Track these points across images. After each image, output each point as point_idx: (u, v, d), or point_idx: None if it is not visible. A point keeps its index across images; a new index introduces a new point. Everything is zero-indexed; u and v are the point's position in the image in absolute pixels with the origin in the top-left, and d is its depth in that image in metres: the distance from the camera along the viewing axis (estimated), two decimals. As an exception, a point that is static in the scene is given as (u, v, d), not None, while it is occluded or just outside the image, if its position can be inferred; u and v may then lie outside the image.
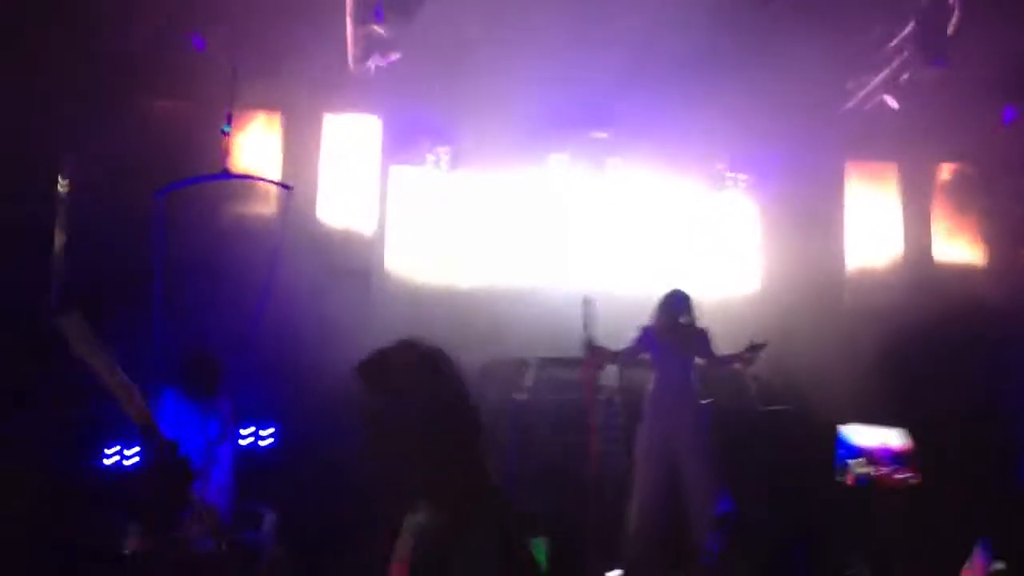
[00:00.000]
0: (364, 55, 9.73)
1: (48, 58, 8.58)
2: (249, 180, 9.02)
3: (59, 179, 9.34)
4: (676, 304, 8.37)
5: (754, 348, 8.27)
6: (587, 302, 7.67)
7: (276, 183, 8.63)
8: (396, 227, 11.04)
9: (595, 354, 7.75)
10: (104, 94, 8.99)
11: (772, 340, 8.62)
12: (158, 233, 7.52)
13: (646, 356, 8.49)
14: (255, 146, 10.11)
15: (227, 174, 8.15)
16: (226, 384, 6.84)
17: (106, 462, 7.85)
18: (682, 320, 8.31)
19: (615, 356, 8.35)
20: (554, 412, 9.27)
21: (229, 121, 7.98)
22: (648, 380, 8.58)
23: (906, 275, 10.14)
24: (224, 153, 7.97)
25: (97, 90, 8.96)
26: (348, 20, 9.65)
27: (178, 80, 9.06)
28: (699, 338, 8.47)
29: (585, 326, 7.62)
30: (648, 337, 8.40)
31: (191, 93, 9.19)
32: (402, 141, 10.81)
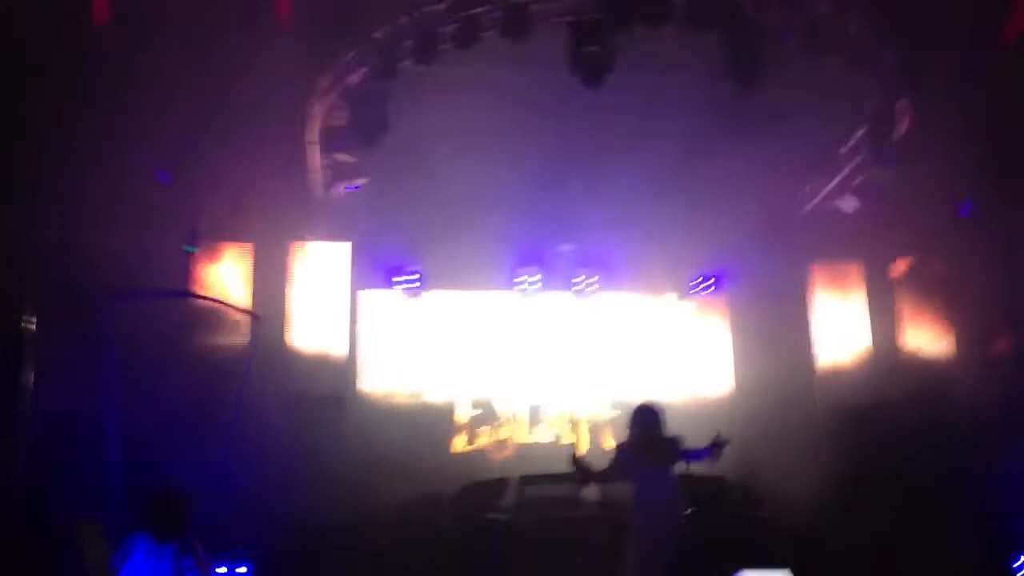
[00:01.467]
0: (330, 182, 9.85)
1: (17, 189, 8.57)
2: (213, 302, 8.87)
3: (23, 316, 9.22)
4: (650, 419, 8.28)
5: (717, 444, 8.19)
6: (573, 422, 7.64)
7: (243, 310, 8.53)
8: (368, 351, 11.02)
9: (582, 471, 7.69)
10: (73, 226, 8.95)
11: (745, 441, 8.55)
12: (110, 365, 7.33)
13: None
14: (225, 276, 10.10)
15: (190, 294, 8.01)
16: (195, 521, 6.65)
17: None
18: (656, 434, 8.22)
19: (601, 476, 8.17)
20: (536, 531, 9.10)
21: (194, 240, 7.90)
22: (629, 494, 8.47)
23: (875, 370, 10.19)
24: (187, 271, 7.86)
25: (66, 222, 8.92)
26: (312, 148, 9.78)
27: (144, 214, 9.05)
28: (672, 447, 8.37)
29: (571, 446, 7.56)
30: (626, 455, 8.28)
31: (157, 226, 9.19)
32: (371, 265, 10.86)
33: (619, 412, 11.20)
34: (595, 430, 11.30)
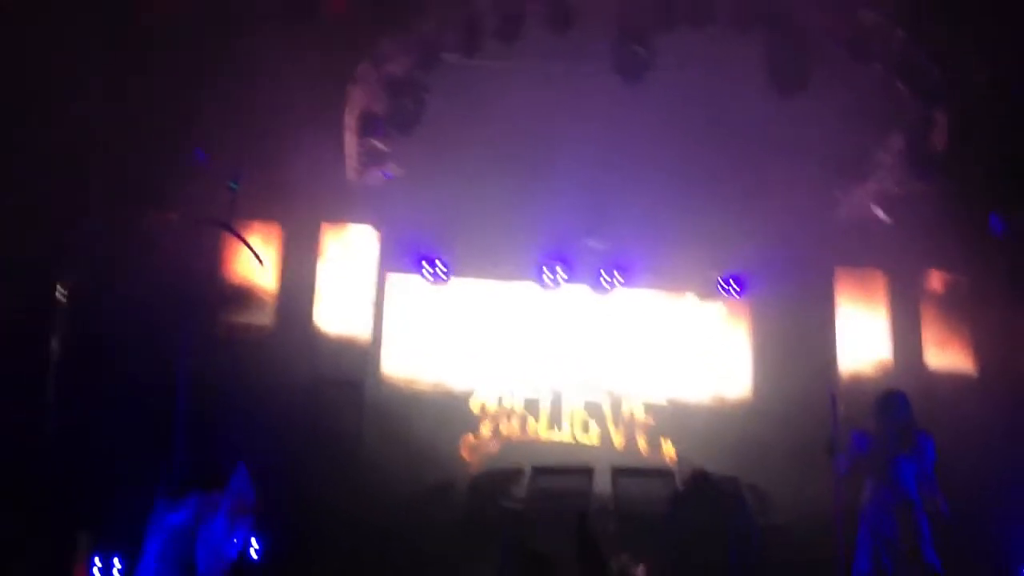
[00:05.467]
0: (364, 168, 9.94)
1: (49, 165, 8.72)
2: (239, 238, 8.99)
3: (57, 286, 9.40)
4: (897, 407, 7.51)
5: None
6: (834, 399, 7.45)
7: (251, 251, 8.64)
8: (393, 336, 11.14)
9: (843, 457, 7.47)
10: (106, 205, 9.11)
11: (762, 444, 8.53)
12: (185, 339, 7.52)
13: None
14: (252, 256, 10.23)
15: (228, 228, 8.16)
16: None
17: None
18: (904, 423, 7.47)
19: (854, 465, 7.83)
20: (549, 522, 9.20)
21: (237, 178, 8.06)
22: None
23: (897, 383, 10.12)
24: (229, 207, 8.04)
25: (99, 200, 9.09)
26: (347, 134, 9.87)
27: (178, 191, 9.19)
28: (916, 438, 7.52)
29: (834, 425, 7.37)
30: (874, 444, 7.53)
31: (191, 204, 9.34)
32: (400, 251, 10.96)
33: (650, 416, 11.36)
34: (627, 428, 11.35)
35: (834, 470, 7.46)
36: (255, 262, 8.73)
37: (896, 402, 7.57)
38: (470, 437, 11.00)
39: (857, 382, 10.67)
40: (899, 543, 7.26)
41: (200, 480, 6.72)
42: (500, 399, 11.24)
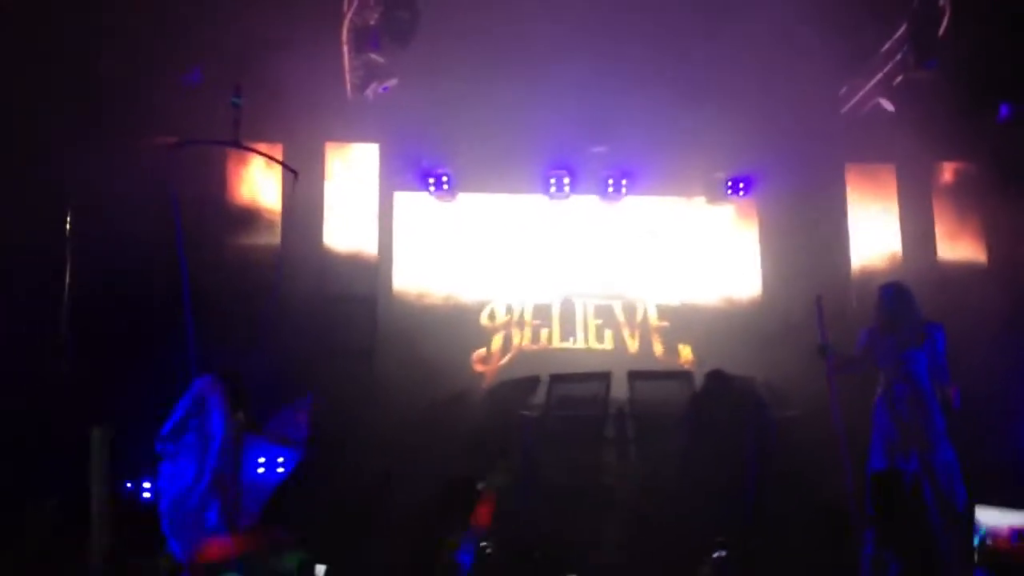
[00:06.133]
0: (362, 83, 9.83)
1: (50, 92, 8.66)
2: (258, 153, 8.94)
3: (67, 214, 9.41)
4: (893, 298, 7.50)
5: None
6: (819, 302, 7.50)
7: (283, 164, 8.59)
8: (401, 252, 11.15)
9: (834, 356, 7.49)
10: (105, 129, 9.06)
11: (774, 343, 8.54)
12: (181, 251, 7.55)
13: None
14: (258, 178, 10.22)
15: (237, 144, 8.16)
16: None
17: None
18: (901, 313, 7.45)
19: (850, 362, 7.65)
20: (566, 429, 9.30)
21: (238, 93, 8.02)
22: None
23: (909, 276, 10.13)
24: (234, 123, 8.03)
25: (98, 124, 9.03)
26: (344, 49, 9.76)
27: (177, 115, 9.13)
28: (919, 327, 7.47)
29: (820, 328, 7.47)
30: (868, 337, 7.60)
31: (194, 130, 9.29)
32: (404, 167, 10.91)
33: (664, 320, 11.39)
34: (641, 333, 11.40)
35: (827, 370, 7.54)
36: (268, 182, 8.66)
37: (898, 295, 7.58)
38: (482, 350, 11.07)
39: (869, 277, 10.64)
40: (912, 435, 7.34)
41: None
42: (512, 310, 11.27)
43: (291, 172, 8.22)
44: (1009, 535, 4.34)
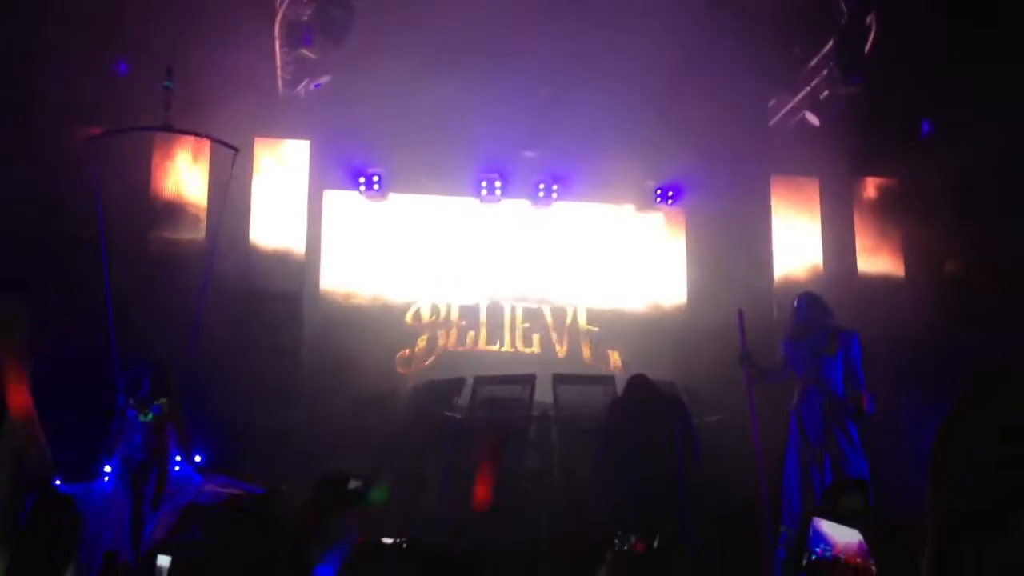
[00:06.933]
0: (294, 79, 9.77)
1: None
2: (190, 135, 8.83)
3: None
4: (804, 307, 7.74)
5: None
6: (741, 314, 7.73)
7: (221, 142, 8.48)
8: (330, 250, 11.09)
9: (752, 367, 7.73)
10: (29, 124, 8.87)
11: (695, 351, 8.64)
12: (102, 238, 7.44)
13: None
14: (184, 172, 10.07)
15: (168, 128, 8.07)
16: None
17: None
18: (811, 322, 7.67)
19: (769, 372, 7.89)
20: (488, 430, 9.29)
21: (170, 76, 7.93)
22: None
23: (829, 287, 10.33)
24: (165, 107, 7.93)
25: (22, 120, 8.84)
26: (276, 44, 9.68)
27: (105, 108, 8.98)
28: (831, 336, 7.66)
29: (741, 339, 7.69)
30: (784, 347, 7.84)
31: (118, 120, 9.14)
32: (334, 165, 10.85)
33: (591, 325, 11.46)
34: (568, 338, 11.46)
35: (745, 382, 7.72)
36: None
37: (811, 304, 7.79)
38: (406, 351, 11.05)
39: (791, 287, 10.80)
40: (824, 442, 7.49)
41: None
42: (438, 311, 11.28)
43: (231, 148, 8.14)
44: (859, 551, 4.39)
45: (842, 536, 4.18)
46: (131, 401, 6.86)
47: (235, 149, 8.13)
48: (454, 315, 11.30)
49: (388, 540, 5.03)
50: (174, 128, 8.02)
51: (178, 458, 7.17)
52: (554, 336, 11.43)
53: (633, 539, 5.64)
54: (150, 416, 6.87)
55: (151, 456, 6.87)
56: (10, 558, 4.15)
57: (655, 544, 5.62)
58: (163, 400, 6.88)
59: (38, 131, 8.74)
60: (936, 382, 9.38)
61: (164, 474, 6.91)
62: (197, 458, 7.22)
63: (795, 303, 7.91)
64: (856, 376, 7.60)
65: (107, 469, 6.91)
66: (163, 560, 4.03)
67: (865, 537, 4.26)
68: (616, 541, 5.66)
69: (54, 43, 8.75)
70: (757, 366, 7.81)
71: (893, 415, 8.00)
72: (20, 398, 5.87)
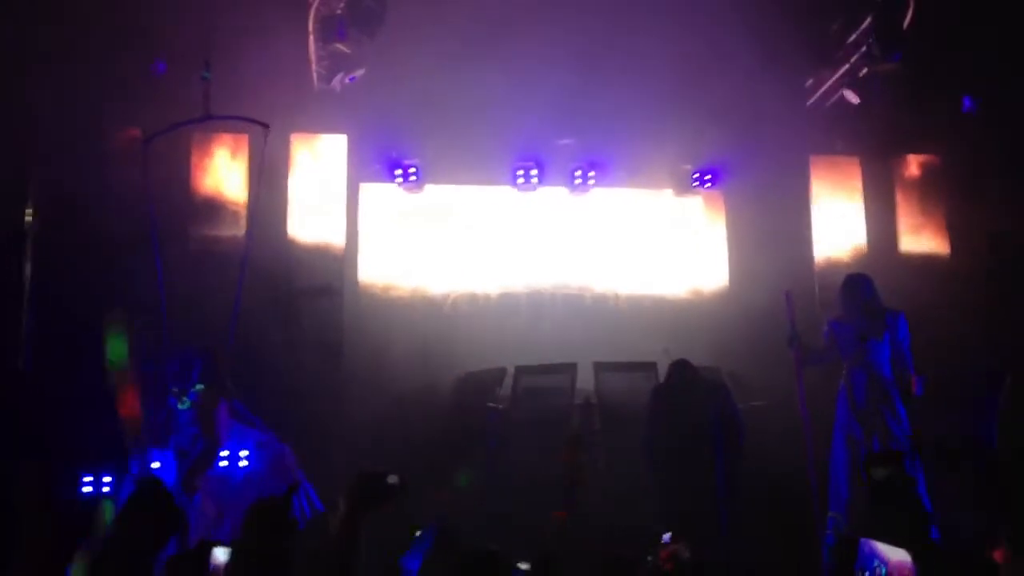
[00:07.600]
0: (328, 73, 9.78)
1: (11, 86, 8.56)
2: (232, 119, 8.87)
3: (26, 209, 9.31)
4: (857, 289, 7.71)
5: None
6: (788, 296, 7.72)
7: (254, 121, 8.52)
8: (368, 243, 11.10)
9: (801, 348, 7.73)
10: (69, 122, 8.97)
11: (743, 337, 8.59)
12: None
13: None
14: (222, 167, 10.13)
15: (209, 116, 8.13)
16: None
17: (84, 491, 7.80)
18: (864, 304, 7.62)
19: (817, 354, 7.93)
20: (533, 421, 9.30)
21: (208, 67, 8.00)
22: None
23: (872, 268, 10.22)
24: (204, 97, 8.00)
25: (62, 118, 8.94)
26: (311, 39, 9.70)
27: (143, 106, 9.05)
28: (882, 319, 7.62)
29: (790, 321, 7.68)
30: (833, 328, 7.82)
31: (157, 119, 9.22)
32: (371, 159, 10.86)
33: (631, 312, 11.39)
34: (608, 325, 11.40)
35: (795, 362, 7.67)
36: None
37: (860, 284, 7.71)
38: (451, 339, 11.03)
39: (833, 268, 10.72)
40: (872, 424, 7.42)
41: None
42: (478, 302, 11.25)
43: (262, 125, 8.17)
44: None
45: (893, 555, 4.13)
46: (174, 389, 6.90)
47: (265, 126, 8.15)
48: (494, 304, 11.27)
49: (524, 566, 4.98)
50: (215, 116, 8.06)
51: (224, 453, 7.22)
52: (595, 323, 11.36)
53: (660, 555, 5.57)
54: (187, 403, 6.92)
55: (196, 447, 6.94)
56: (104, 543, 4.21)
57: (685, 554, 5.52)
58: (200, 387, 6.92)
59: (81, 132, 8.85)
60: (984, 360, 9.33)
61: (206, 466, 6.95)
62: (243, 453, 7.28)
63: (842, 284, 7.83)
64: (904, 358, 7.52)
65: (155, 465, 6.98)
66: (220, 554, 4.02)
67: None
68: (649, 559, 5.61)
69: (91, 44, 8.83)
70: (805, 347, 7.75)
71: (940, 394, 7.93)
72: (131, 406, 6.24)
